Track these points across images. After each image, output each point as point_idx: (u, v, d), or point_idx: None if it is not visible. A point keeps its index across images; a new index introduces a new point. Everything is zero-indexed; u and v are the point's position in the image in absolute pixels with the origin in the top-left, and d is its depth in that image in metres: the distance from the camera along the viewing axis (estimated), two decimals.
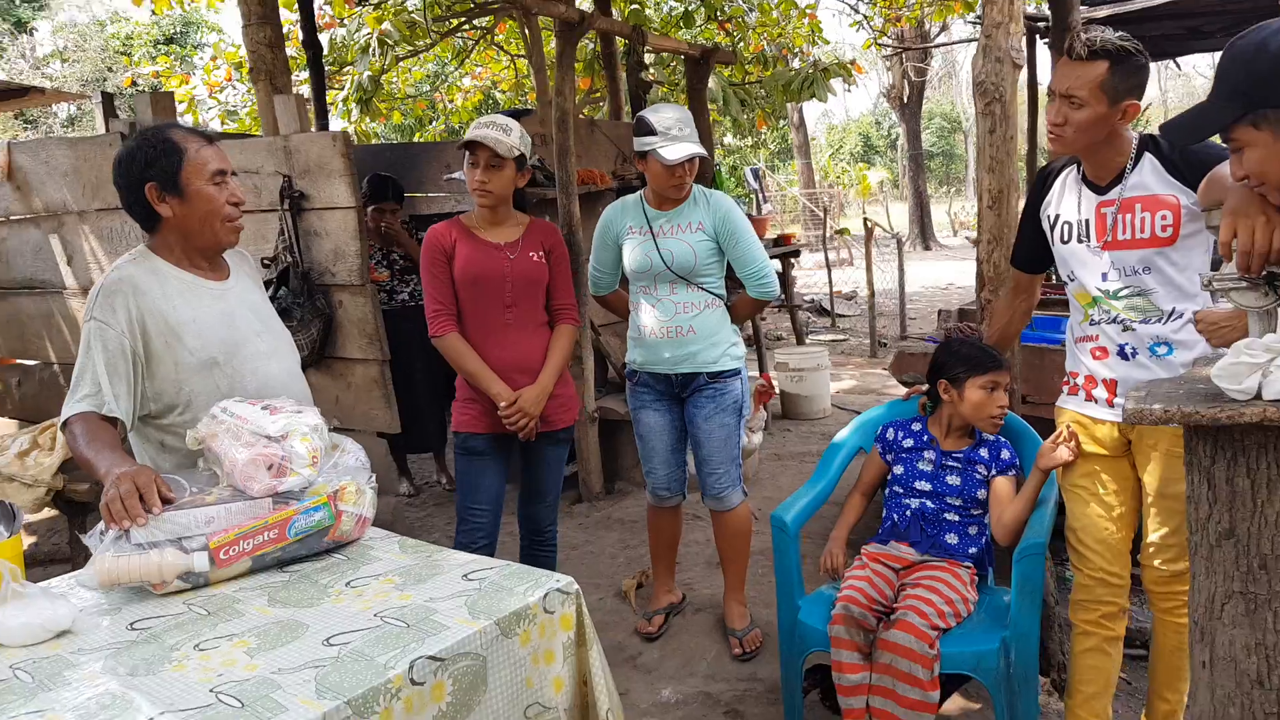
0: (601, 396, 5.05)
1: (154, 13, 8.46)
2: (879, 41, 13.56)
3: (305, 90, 7.13)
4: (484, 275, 2.86)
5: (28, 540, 4.70)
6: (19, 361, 5.37)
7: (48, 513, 4.37)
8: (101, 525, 1.73)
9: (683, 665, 3.22)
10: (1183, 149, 2.15)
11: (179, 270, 2.16)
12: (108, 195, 4.29)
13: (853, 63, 9.35)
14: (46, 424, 3.48)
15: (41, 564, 4.24)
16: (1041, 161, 2.46)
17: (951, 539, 2.68)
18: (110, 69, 20.28)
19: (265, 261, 3.76)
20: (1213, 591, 1.57)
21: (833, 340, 9.97)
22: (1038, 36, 7.15)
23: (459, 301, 2.89)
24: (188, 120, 9.79)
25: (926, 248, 21.54)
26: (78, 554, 1.63)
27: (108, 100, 4.83)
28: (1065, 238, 2.37)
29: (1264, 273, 1.60)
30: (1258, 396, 1.44)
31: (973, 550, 2.68)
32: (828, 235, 13.32)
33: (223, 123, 10.45)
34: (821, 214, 14.70)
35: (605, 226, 3.28)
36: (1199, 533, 1.57)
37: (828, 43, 10.87)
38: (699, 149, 3.03)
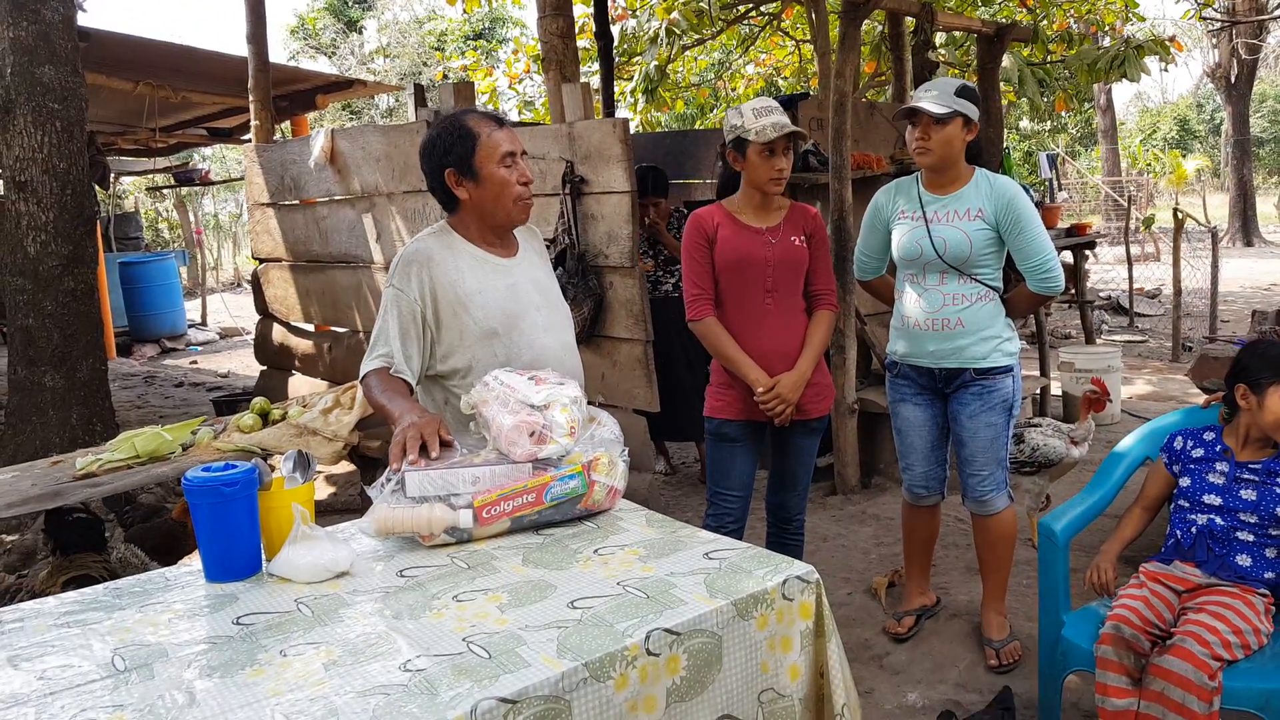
0: (863, 388, 4.93)
1: (465, 11, 9.18)
2: (1204, 15, 12.14)
3: (595, 81, 7.47)
4: (745, 259, 2.87)
5: (328, 491, 5.29)
6: (332, 329, 6.07)
7: (346, 466, 4.86)
8: (384, 477, 1.91)
9: (932, 670, 3.10)
10: None
11: (472, 246, 2.34)
12: (413, 178, 4.73)
13: (1171, 39, 8.49)
14: (348, 385, 3.89)
15: (338, 512, 4.71)
16: None
17: (1244, 560, 2.41)
18: (425, 63, 22.28)
19: (546, 243, 4.00)
20: None
21: (1129, 341, 9.12)
22: None
23: (718, 286, 2.91)
24: (489, 109, 10.56)
25: (1248, 243, 19.16)
26: (368, 505, 1.83)
27: (419, 92, 5.31)
28: None
29: None
30: None
31: (1269, 575, 2.40)
32: (1131, 227, 12.15)
33: (519, 113, 11.20)
34: (1125, 204, 13.42)
35: (876, 209, 3.18)
36: None
37: (1143, 19, 9.91)
38: (942, 108, 2.85)
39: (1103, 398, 3.84)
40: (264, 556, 1.84)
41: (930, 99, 2.88)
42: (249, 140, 6.89)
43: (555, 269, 3.89)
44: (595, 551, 1.86)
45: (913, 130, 2.94)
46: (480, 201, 2.30)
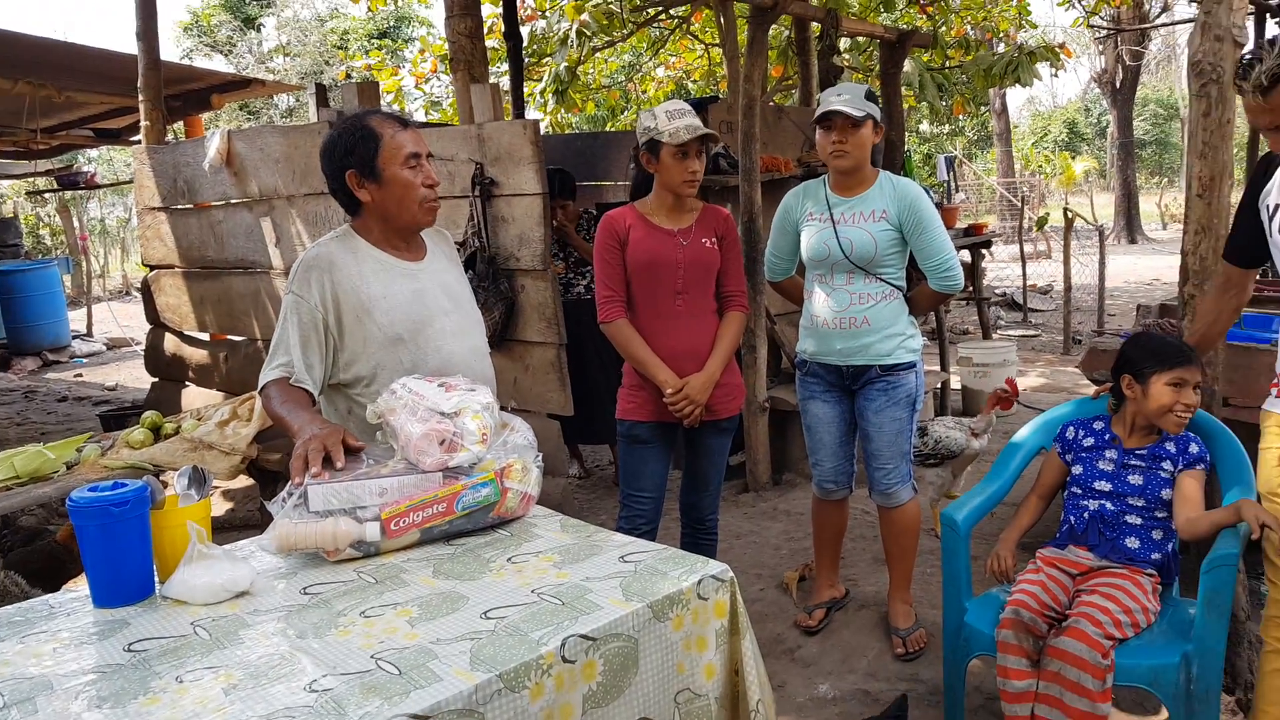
0: (774, 387, 5.00)
1: (369, 9, 8.98)
2: (1091, 23, 12.69)
3: (505, 82, 7.38)
4: (657, 261, 2.87)
5: (225, 506, 5.10)
6: (228, 337, 5.87)
7: (245, 481, 4.68)
8: (285, 491, 1.85)
9: (842, 661, 3.16)
10: None
11: (376, 250, 2.29)
12: (314, 181, 4.61)
13: (1061, 46, 8.83)
14: (246, 396, 3.77)
15: (237, 529, 4.51)
16: (1264, 148, 2.27)
17: (1132, 543, 2.52)
18: (327, 63, 21.76)
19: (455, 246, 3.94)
20: None
21: (1023, 335, 9.47)
22: (1268, 16, 6.50)
23: (630, 288, 2.92)
24: (394, 110, 10.36)
25: (1132, 241, 20.14)
26: (268, 520, 1.77)
27: (321, 91, 5.17)
28: None
29: None
30: None
31: (1156, 556, 2.51)
32: (1025, 226, 12.64)
33: (426, 113, 11.03)
34: (1019, 204, 13.95)
35: (785, 212, 3.23)
36: None
37: (1035, 26, 10.29)
38: (859, 111, 2.91)
39: (1012, 397, 3.96)
40: (157, 579, 1.75)
41: (845, 103, 2.92)
42: (139, 142, 6.61)
43: (465, 272, 3.85)
44: (509, 560, 1.83)
45: (827, 134, 2.97)
46: (384, 204, 2.25)
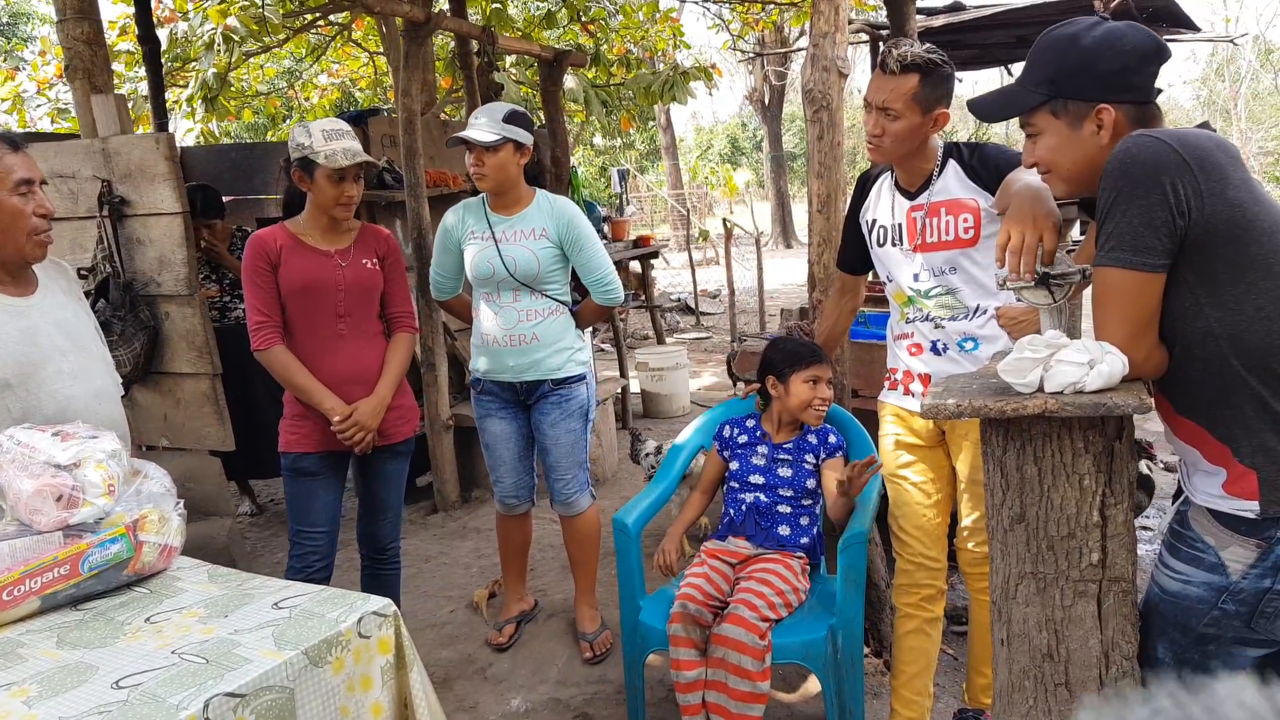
0: (457, 403, 4.96)
1: None
2: (737, 46, 13.83)
3: (144, 88, 6.75)
4: (314, 284, 2.74)
5: None
6: None
7: None
8: None
9: (533, 673, 3.20)
10: (980, 155, 2.27)
11: None
12: None
13: (713, 66, 9.50)
14: None
15: None
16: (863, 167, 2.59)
17: (784, 530, 2.75)
18: None
19: (83, 272, 3.54)
20: (1008, 573, 1.65)
21: (696, 338, 10.10)
22: (881, 43, 7.41)
23: (286, 312, 2.76)
24: (13, 121, 9.17)
25: (788, 246, 22.06)
26: None
27: None
28: (881, 241, 2.46)
29: (1039, 275, 1.69)
30: (1041, 389, 1.52)
31: (804, 540, 2.75)
32: (692, 235, 13.54)
33: (53, 121, 9.82)
34: (688, 214, 14.93)
35: (446, 230, 3.22)
36: (995, 518, 1.66)
37: (688, 47, 11.02)
38: (488, 137, 2.96)
39: None
40: None
41: (479, 128, 2.98)
42: None
43: (97, 301, 3.47)
44: (147, 620, 1.69)
45: (470, 155, 3.02)
46: None
